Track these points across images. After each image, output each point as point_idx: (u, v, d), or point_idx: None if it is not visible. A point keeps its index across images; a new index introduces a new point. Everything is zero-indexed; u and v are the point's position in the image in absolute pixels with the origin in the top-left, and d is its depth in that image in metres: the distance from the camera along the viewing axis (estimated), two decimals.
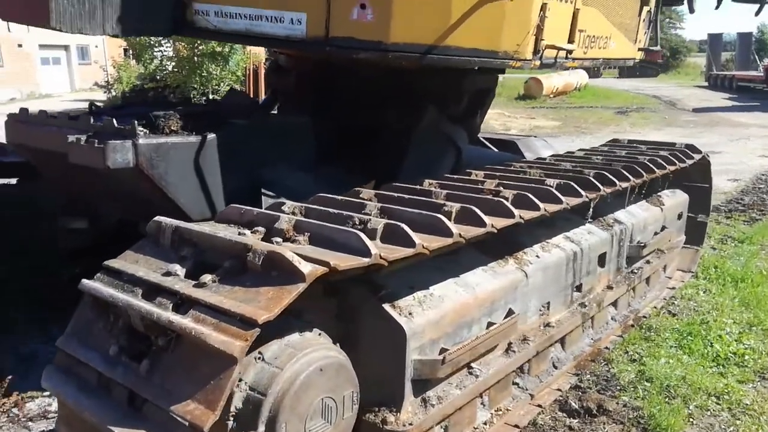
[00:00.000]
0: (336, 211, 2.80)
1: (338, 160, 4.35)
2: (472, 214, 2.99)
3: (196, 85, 18.16)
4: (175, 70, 18.92)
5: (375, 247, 2.41)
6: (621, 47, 4.72)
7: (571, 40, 3.90)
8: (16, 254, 4.46)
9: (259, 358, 2.25)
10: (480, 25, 3.40)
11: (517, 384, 3.68)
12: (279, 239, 2.45)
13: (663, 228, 5.32)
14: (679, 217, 5.78)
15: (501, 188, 3.58)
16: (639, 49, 5.10)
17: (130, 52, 22.15)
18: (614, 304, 4.74)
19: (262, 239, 2.51)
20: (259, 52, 18.46)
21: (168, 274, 2.31)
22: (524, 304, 3.57)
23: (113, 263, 2.45)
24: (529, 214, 3.30)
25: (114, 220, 4.17)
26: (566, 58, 3.93)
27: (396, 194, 3.29)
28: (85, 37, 27.14)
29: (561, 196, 3.61)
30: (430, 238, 2.70)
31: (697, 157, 5.63)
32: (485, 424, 3.35)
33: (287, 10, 3.42)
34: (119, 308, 2.20)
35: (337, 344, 2.70)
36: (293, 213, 2.85)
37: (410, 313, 2.80)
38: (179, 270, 2.30)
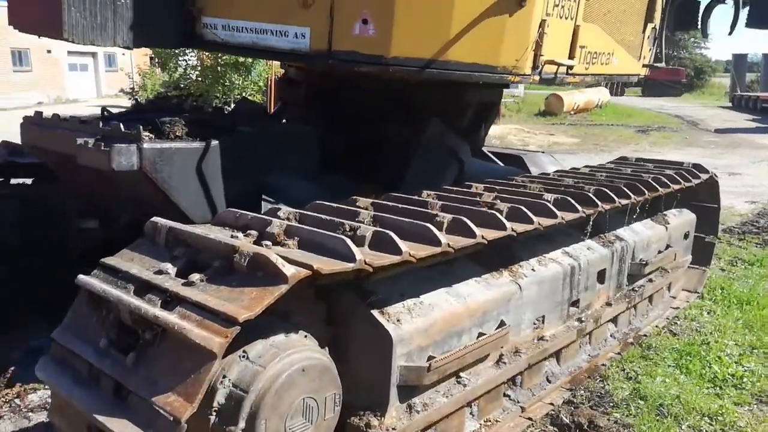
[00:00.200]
0: (329, 217, 2.87)
1: (344, 170, 4.45)
2: (463, 225, 3.05)
3: (218, 95, 18.47)
4: (199, 79, 19.27)
5: (361, 253, 2.48)
6: (624, 63, 4.77)
7: (571, 56, 3.97)
8: (29, 253, 4.59)
9: (243, 356, 2.33)
10: (479, 41, 3.49)
11: (509, 396, 3.71)
12: (269, 243, 2.54)
13: (668, 247, 5.32)
14: (686, 236, 5.77)
15: (497, 201, 3.64)
16: (644, 66, 5.13)
17: (156, 60, 22.59)
18: (614, 321, 4.76)
19: (254, 242, 2.60)
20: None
21: (160, 272, 2.40)
22: (517, 316, 3.61)
23: (110, 260, 2.55)
24: (522, 227, 3.35)
25: (124, 221, 4.29)
26: (567, 73, 4.00)
27: (391, 203, 3.37)
28: None
29: (557, 211, 3.66)
30: (418, 246, 2.76)
31: (704, 177, 5.62)
32: None
33: (292, 24, 3.54)
34: (111, 303, 2.30)
35: (326, 348, 2.78)
36: (288, 218, 2.93)
37: (398, 320, 2.86)
38: (171, 269, 2.39)
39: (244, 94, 18.71)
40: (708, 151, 18.82)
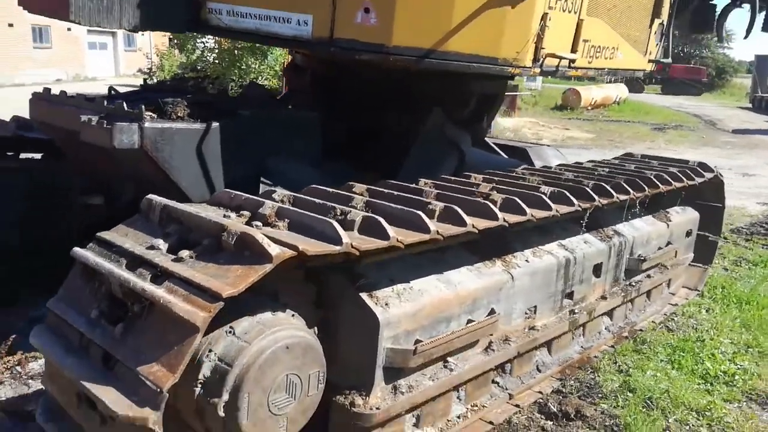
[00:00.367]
0: (321, 201, 2.93)
1: (345, 157, 4.50)
2: (454, 214, 3.10)
3: (234, 78, 18.53)
4: (216, 61, 19.34)
5: (348, 236, 2.54)
6: (629, 58, 4.78)
7: (574, 50, 3.99)
8: (35, 227, 4.69)
9: (230, 332, 2.40)
10: (480, 32, 3.52)
11: (497, 383, 3.77)
12: (259, 223, 2.60)
13: (668, 244, 5.34)
14: (688, 234, 5.77)
15: (493, 192, 3.68)
16: (650, 61, 5.13)
17: (175, 41, 22.67)
18: (609, 314, 4.79)
19: (246, 223, 2.66)
20: None
21: (152, 248, 2.47)
22: (508, 305, 3.66)
23: (105, 235, 2.63)
24: (514, 218, 3.39)
25: (127, 199, 4.38)
26: (569, 66, 4.02)
27: (386, 190, 3.42)
28: None
29: (551, 204, 3.69)
30: (406, 232, 2.81)
31: (708, 175, 5.62)
32: (459, 417, 3.45)
33: (295, 11, 3.60)
34: (103, 276, 2.38)
35: (315, 328, 2.85)
36: (282, 201, 2.99)
37: (386, 304, 2.92)
38: (162, 245, 2.47)
39: (260, 78, 18.78)
40: (724, 151, 18.67)
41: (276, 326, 2.46)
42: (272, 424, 2.44)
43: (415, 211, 2.96)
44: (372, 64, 3.69)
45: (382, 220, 2.73)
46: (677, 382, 4.25)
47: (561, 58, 3.86)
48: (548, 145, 6.60)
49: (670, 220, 5.39)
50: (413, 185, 3.68)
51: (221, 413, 2.29)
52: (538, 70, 3.76)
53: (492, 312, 3.48)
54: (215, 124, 3.65)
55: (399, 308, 2.95)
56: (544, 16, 3.62)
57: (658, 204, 5.27)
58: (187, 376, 2.25)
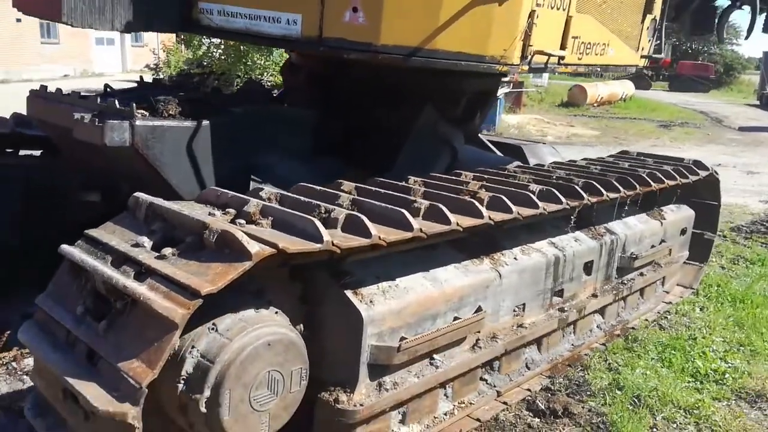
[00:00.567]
0: (307, 199, 2.97)
1: (338, 154, 4.54)
2: (439, 212, 3.13)
3: (240, 74, 18.56)
4: (222, 57, 19.39)
5: (329, 234, 2.58)
6: (620, 54, 4.79)
7: (563, 47, 4.00)
8: (33, 224, 4.74)
9: (212, 329, 2.44)
10: (467, 30, 3.55)
11: (485, 380, 3.80)
12: (243, 221, 2.64)
13: (662, 242, 5.35)
14: (683, 232, 5.79)
15: (481, 190, 3.70)
16: (642, 57, 5.14)
17: (181, 37, 22.72)
18: (601, 312, 4.81)
19: (231, 221, 2.70)
20: None
21: (136, 245, 2.52)
22: (496, 303, 3.69)
23: (92, 232, 2.68)
24: (500, 216, 3.42)
25: (124, 195, 4.42)
26: (558, 63, 4.04)
27: (374, 188, 3.45)
28: None
29: (539, 202, 3.72)
30: (389, 230, 2.85)
31: (702, 174, 5.62)
32: (446, 414, 3.48)
33: (284, 11, 3.63)
34: (88, 272, 2.43)
35: (300, 325, 2.89)
36: (269, 199, 3.03)
37: (371, 301, 2.96)
38: (147, 242, 2.51)
39: (265, 74, 18.80)
40: (729, 148, 18.58)
41: (258, 323, 2.50)
42: (254, 420, 2.48)
43: (398, 209, 2.99)
44: (362, 63, 3.72)
45: (364, 218, 2.76)
46: (666, 380, 4.27)
47: (549, 55, 3.88)
48: (544, 143, 6.61)
49: (664, 218, 5.40)
50: (402, 183, 3.71)
51: (203, 409, 2.33)
52: (526, 67, 3.78)
53: (479, 310, 3.51)
54: (206, 122, 3.69)
55: (384, 305, 2.98)
56: (531, 14, 3.64)
57: (653, 202, 5.29)
58: (170, 372, 2.30)
